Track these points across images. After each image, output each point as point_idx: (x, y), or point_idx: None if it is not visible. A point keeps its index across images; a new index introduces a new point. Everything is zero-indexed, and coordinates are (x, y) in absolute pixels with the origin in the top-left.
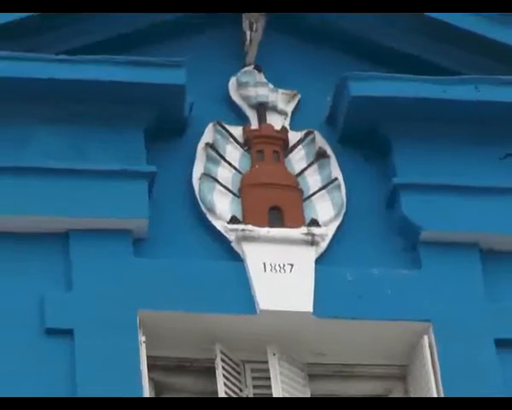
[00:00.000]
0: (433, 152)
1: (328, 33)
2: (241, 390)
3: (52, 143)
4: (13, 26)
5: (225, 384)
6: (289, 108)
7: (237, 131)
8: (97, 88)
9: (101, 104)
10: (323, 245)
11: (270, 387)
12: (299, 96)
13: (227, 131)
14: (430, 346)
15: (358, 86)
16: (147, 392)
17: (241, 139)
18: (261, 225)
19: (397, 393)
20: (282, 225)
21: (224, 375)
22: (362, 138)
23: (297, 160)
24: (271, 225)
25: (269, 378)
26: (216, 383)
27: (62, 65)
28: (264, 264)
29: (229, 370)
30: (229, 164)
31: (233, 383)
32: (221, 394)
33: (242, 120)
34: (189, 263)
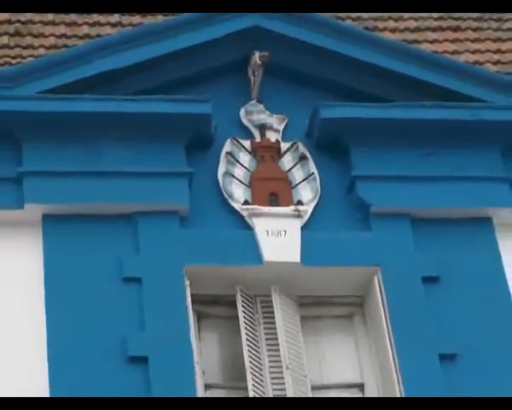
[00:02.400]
0: (378, 153)
1: (307, 77)
2: (253, 315)
3: (120, 154)
4: (106, 75)
5: (243, 311)
6: (281, 127)
7: (246, 143)
8: (155, 117)
9: (156, 128)
10: (306, 217)
11: (272, 312)
12: (286, 120)
13: (240, 143)
14: (379, 282)
15: (326, 112)
16: (191, 318)
17: (249, 149)
18: (264, 205)
19: (358, 315)
20: (278, 205)
21: (242, 305)
22: (330, 146)
23: (286, 161)
24: (271, 205)
25: (272, 306)
26: (237, 311)
27: (132, 103)
28: (267, 231)
29: (246, 302)
30: (242, 165)
31: (248, 310)
32: (240, 318)
33: (250, 136)
34: (216, 232)
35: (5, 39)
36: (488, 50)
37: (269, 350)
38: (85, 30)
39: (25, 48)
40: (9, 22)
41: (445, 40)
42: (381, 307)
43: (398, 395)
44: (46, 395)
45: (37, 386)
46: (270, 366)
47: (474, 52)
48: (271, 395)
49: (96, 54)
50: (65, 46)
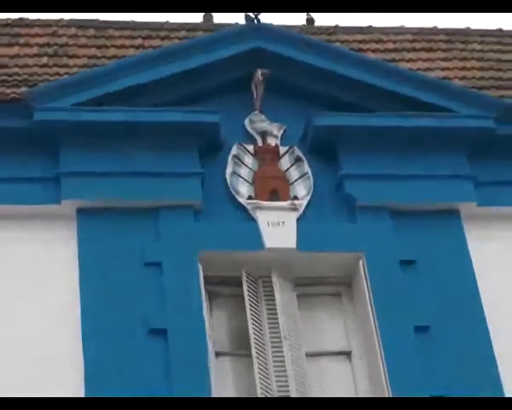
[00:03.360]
0: (363, 156)
1: (301, 91)
2: (256, 293)
3: (143, 157)
4: (131, 90)
5: (247, 291)
6: (279, 134)
7: (250, 147)
8: (172, 126)
9: (173, 135)
10: (301, 210)
11: (273, 291)
12: (284, 127)
13: (245, 147)
14: (363, 265)
15: (318, 120)
16: (203, 296)
17: (252, 152)
18: (265, 200)
19: (346, 293)
20: (277, 199)
21: (247, 285)
22: (321, 149)
23: (284, 163)
24: (271, 200)
25: (272, 286)
26: (243, 291)
27: (153, 113)
28: (268, 222)
29: (250, 282)
30: (246, 166)
31: (252, 290)
32: (245, 296)
33: (253, 141)
34: (225, 223)
35: (45, 59)
36: (455, 68)
37: (269, 324)
38: (113, 51)
39: (61, 67)
40: (48, 45)
41: (419, 59)
42: (366, 287)
43: (380, 362)
44: (80, 362)
45: (73, 355)
46: (271, 337)
47: (443, 69)
48: (271, 362)
49: (122, 72)
50: (95, 65)
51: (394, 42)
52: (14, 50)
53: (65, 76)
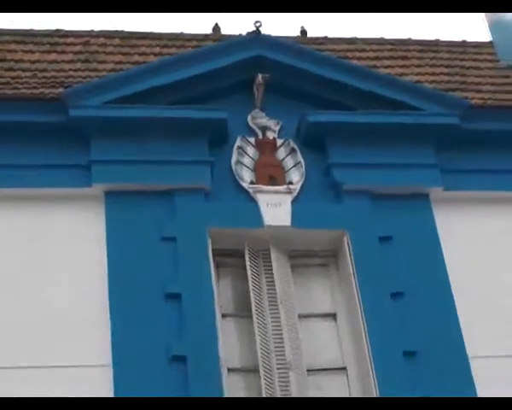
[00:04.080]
0: (347, 147)
1: (296, 92)
2: (256, 264)
3: (162, 148)
4: (151, 90)
5: (249, 262)
6: (277, 129)
7: (252, 140)
8: (186, 121)
9: (187, 129)
10: (295, 194)
11: (270, 262)
12: (281, 123)
13: (247, 140)
14: (347, 240)
15: (311, 117)
16: (212, 266)
17: (254, 144)
18: (265, 185)
19: (332, 264)
20: (275, 184)
21: (248, 257)
22: (312, 142)
23: (281, 153)
24: (270, 185)
25: (270, 258)
26: (245, 262)
27: (170, 110)
28: (267, 203)
29: (251, 254)
30: (249, 156)
31: (253, 261)
32: (247, 267)
33: (254, 134)
34: (230, 203)
35: (78, 65)
36: (426, 73)
37: (268, 290)
38: (136, 58)
39: (91, 71)
40: (81, 53)
41: (396, 66)
42: (349, 259)
43: (361, 322)
44: (107, 335)
45: (100, 318)
46: (269, 301)
47: (416, 74)
48: (270, 322)
49: (144, 75)
50: (121, 70)
51: (375, 51)
52: (52, 57)
53: (95, 79)
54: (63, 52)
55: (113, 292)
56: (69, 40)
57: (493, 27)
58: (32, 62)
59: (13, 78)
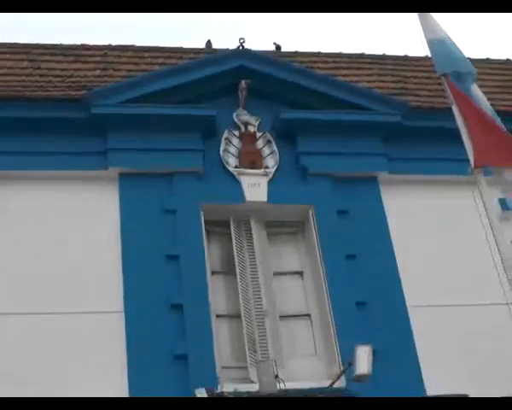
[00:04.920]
0: (312, 140)
1: (272, 95)
2: (239, 232)
3: (165, 138)
4: (157, 92)
5: (234, 230)
6: (256, 124)
7: (237, 132)
8: (184, 117)
9: (185, 123)
10: (270, 176)
11: (251, 230)
12: (260, 119)
13: (233, 133)
14: (312, 213)
15: (283, 115)
16: (204, 234)
17: (238, 136)
18: (247, 169)
19: (300, 232)
20: (254, 168)
21: (233, 226)
22: (285, 134)
23: (259, 143)
24: (251, 169)
25: (250, 227)
26: (230, 230)
27: (172, 108)
28: (248, 183)
29: (235, 225)
30: (234, 145)
31: (237, 229)
32: (232, 234)
33: (238, 128)
34: (219, 184)
35: (98, 72)
36: (376, 81)
37: (248, 253)
38: (144, 67)
39: (109, 77)
40: (100, 62)
41: (352, 74)
42: (313, 228)
43: (322, 279)
44: (120, 286)
45: (114, 281)
46: (249, 262)
47: (368, 82)
48: (250, 278)
49: (150, 80)
50: (132, 76)
51: (335, 62)
52: (78, 65)
53: (111, 83)
54: (86, 62)
55: (126, 252)
56: (91, 52)
57: (430, 44)
58: (61, 70)
59: (46, 82)
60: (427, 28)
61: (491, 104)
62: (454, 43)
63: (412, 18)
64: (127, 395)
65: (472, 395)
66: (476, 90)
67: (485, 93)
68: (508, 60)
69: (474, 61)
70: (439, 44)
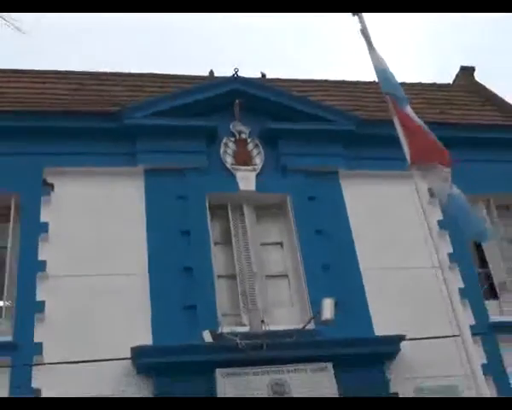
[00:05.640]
0: (290, 144)
1: (261, 110)
2: (235, 213)
3: (177, 144)
4: (174, 108)
5: (231, 211)
6: (247, 132)
7: (232, 139)
8: (194, 127)
9: (194, 132)
10: (258, 171)
11: (243, 212)
12: (250, 128)
13: (230, 139)
14: (289, 199)
15: (269, 125)
16: (208, 215)
17: (234, 141)
18: (240, 166)
19: (281, 214)
20: (246, 165)
21: (230, 209)
22: (269, 140)
23: (250, 147)
24: (243, 166)
25: (243, 210)
26: (228, 212)
27: (185, 119)
28: (241, 177)
29: (232, 208)
30: (231, 148)
31: (233, 211)
32: (229, 215)
33: (234, 136)
34: (219, 177)
35: (128, 93)
36: (334, 99)
37: (241, 229)
38: (162, 89)
39: (136, 97)
40: (130, 85)
41: (319, 95)
42: (290, 210)
43: (297, 247)
44: (145, 253)
45: (140, 249)
46: (242, 235)
47: (331, 100)
48: (242, 248)
49: (168, 99)
50: (154, 96)
51: (307, 87)
52: (113, 88)
53: (138, 101)
54: (119, 85)
55: (149, 228)
56: (122, 78)
57: (377, 71)
58: (101, 91)
59: (89, 101)
60: (375, 60)
61: (420, 117)
62: (392, 73)
63: (365, 53)
64: (151, 336)
65: (409, 335)
66: (410, 110)
67: (414, 108)
68: (434, 83)
69: (408, 84)
70: (383, 72)
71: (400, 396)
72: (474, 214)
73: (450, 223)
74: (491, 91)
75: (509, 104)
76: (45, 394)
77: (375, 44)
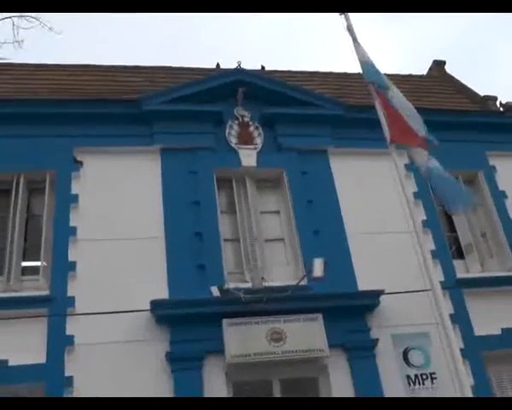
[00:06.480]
0: (286, 126)
1: (262, 98)
2: (238, 185)
3: (190, 126)
4: (185, 96)
5: (235, 184)
6: (249, 116)
7: (236, 122)
8: (203, 112)
9: (204, 116)
10: (258, 149)
11: (246, 184)
12: (251, 113)
13: (234, 122)
14: (284, 174)
15: (267, 111)
16: (215, 189)
17: (237, 124)
18: (243, 145)
19: (277, 186)
20: (248, 144)
21: (234, 182)
22: (267, 123)
23: (251, 129)
24: (245, 144)
25: (246, 183)
26: (232, 184)
27: (194, 105)
28: (244, 154)
29: (236, 181)
30: (235, 130)
31: (236, 184)
32: (234, 188)
33: (238, 119)
34: (225, 155)
35: (146, 83)
36: (327, 88)
37: (244, 200)
38: (176, 79)
39: (154, 87)
40: (148, 77)
41: (311, 85)
42: (285, 183)
43: (292, 215)
44: (161, 220)
45: (157, 217)
46: (245, 205)
47: (322, 89)
48: (245, 215)
49: (182, 89)
50: (168, 86)
51: (301, 77)
52: (133, 79)
53: (155, 90)
54: (138, 76)
55: (165, 199)
56: (142, 70)
57: (361, 63)
58: (125, 82)
59: (112, 90)
60: (360, 54)
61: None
62: (374, 65)
63: (351, 48)
64: (167, 291)
65: (387, 290)
66: (392, 98)
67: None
68: (410, 74)
69: (388, 75)
70: (366, 64)
71: (380, 344)
72: (459, 186)
73: (424, 193)
74: (459, 82)
75: (475, 93)
76: (77, 340)
77: (359, 40)
